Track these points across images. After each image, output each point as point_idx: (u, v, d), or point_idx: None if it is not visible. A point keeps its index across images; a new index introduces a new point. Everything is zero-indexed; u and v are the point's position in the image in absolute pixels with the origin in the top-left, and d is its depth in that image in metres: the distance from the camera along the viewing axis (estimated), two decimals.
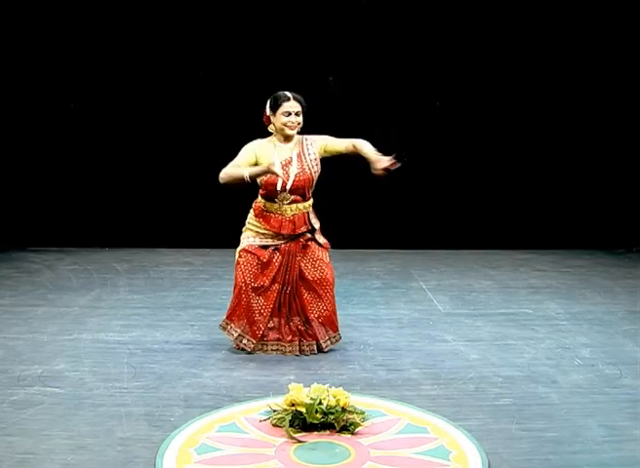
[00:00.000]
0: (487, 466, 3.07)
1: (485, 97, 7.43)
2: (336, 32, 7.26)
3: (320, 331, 4.43)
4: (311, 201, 4.49)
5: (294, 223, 4.41)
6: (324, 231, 4.59)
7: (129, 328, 4.91)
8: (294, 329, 4.44)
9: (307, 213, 4.47)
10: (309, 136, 4.44)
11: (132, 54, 7.25)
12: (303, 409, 3.34)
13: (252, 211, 4.52)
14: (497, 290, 6.05)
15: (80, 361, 4.28)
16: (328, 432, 3.35)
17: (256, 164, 4.32)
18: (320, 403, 3.35)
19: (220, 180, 4.27)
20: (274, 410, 3.46)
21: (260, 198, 4.48)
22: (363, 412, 3.46)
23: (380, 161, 4.15)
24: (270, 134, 4.43)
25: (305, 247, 4.46)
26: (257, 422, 3.44)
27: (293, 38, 7.19)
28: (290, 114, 4.31)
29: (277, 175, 4.19)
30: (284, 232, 4.40)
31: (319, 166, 4.43)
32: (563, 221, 7.60)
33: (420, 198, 7.57)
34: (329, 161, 4.52)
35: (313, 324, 4.41)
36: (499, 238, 7.53)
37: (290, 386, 3.47)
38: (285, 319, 4.43)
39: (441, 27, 7.32)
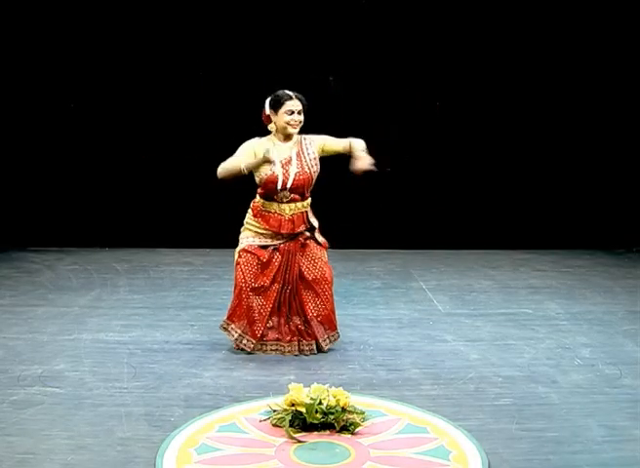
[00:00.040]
0: (487, 466, 3.07)
1: (485, 97, 7.43)
2: (336, 32, 7.26)
3: (319, 331, 4.43)
4: (309, 200, 4.50)
5: (293, 222, 4.41)
6: (324, 231, 4.59)
7: (129, 328, 4.91)
8: (293, 328, 4.44)
9: (306, 212, 4.47)
10: (308, 136, 4.45)
11: (132, 54, 7.25)
12: (303, 409, 3.34)
13: (250, 210, 4.51)
14: (497, 290, 6.05)
15: (80, 361, 4.28)
16: (328, 432, 3.35)
17: (254, 169, 4.34)
18: (320, 403, 3.35)
19: (218, 175, 4.33)
20: (274, 410, 3.46)
21: (258, 197, 4.48)
22: (363, 412, 3.46)
23: (362, 160, 4.19)
24: (269, 133, 4.44)
25: (304, 246, 4.46)
26: (257, 422, 3.44)
27: (293, 38, 7.19)
28: (292, 113, 4.32)
29: (272, 163, 4.22)
30: (283, 231, 4.40)
31: (318, 165, 4.43)
32: (563, 221, 7.60)
33: (420, 198, 7.57)
34: (329, 161, 4.53)
35: (312, 323, 4.41)
36: (499, 238, 7.53)
37: (290, 386, 3.47)
38: (285, 318, 4.43)
39: (441, 27, 7.32)
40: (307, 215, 4.48)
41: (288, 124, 4.33)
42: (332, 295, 4.47)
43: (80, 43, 7.20)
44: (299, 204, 4.42)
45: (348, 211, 7.34)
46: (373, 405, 3.64)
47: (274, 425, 3.40)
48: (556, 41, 7.32)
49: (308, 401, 3.35)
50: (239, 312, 4.40)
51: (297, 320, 4.44)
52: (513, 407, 3.69)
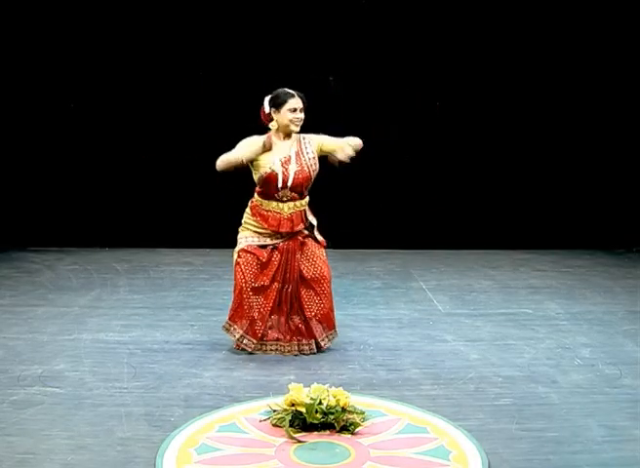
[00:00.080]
0: (487, 466, 3.07)
1: (485, 97, 7.44)
2: (336, 32, 7.26)
3: (318, 330, 4.43)
4: (307, 198, 4.50)
5: (292, 221, 4.41)
6: (325, 231, 4.58)
7: (129, 328, 4.91)
8: (293, 328, 4.44)
9: (304, 210, 4.47)
10: (307, 135, 4.45)
11: (132, 54, 7.25)
12: (303, 409, 3.34)
13: (248, 209, 4.51)
14: (497, 290, 6.05)
15: (80, 361, 4.27)
16: (328, 432, 3.35)
17: (252, 159, 4.34)
18: (320, 403, 3.35)
19: (217, 167, 4.31)
20: (274, 410, 3.46)
21: (256, 196, 4.47)
22: (363, 412, 3.46)
23: (344, 149, 4.20)
24: (266, 131, 4.43)
25: (303, 244, 4.46)
26: (257, 422, 3.44)
27: (293, 38, 7.19)
28: (295, 110, 4.33)
29: (270, 148, 4.25)
30: (283, 230, 4.39)
31: (317, 164, 4.43)
32: (563, 221, 7.60)
33: (420, 198, 7.57)
34: (329, 161, 4.53)
35: (311, 322, 4.41)
36: (499, 238, 7.53)
37: (290, 386, 3.47)
38: (285, 317, 4.43)
39: (441, 27, 7.33)
40: (306, 214, 4.48)
41: (291, 122, 4.33)
42: (330, 294, 4.48)
43: (80, 43, 7.20)
44: (297, 202, 4.42)
45: (348, 211, 7.34)
46: (373, 405, 3.64)
47: (274, 425, 3.40)
48: (556, 41, 7.32)
49: (308, 401, 3.35)
50: (240, 312, 4.40)
51: (296, 319, 4.44)
52: (513, 407, 3.69)
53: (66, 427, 3.40)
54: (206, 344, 4.60)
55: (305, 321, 4.42)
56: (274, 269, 4.39)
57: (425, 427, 3.44)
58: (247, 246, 4.42)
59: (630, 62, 7.34)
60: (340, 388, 3.45)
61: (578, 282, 6.31)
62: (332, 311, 4.49)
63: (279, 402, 3.48)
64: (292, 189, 4.36)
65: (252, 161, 4.35)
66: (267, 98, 4.40)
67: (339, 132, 4.51)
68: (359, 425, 3.38)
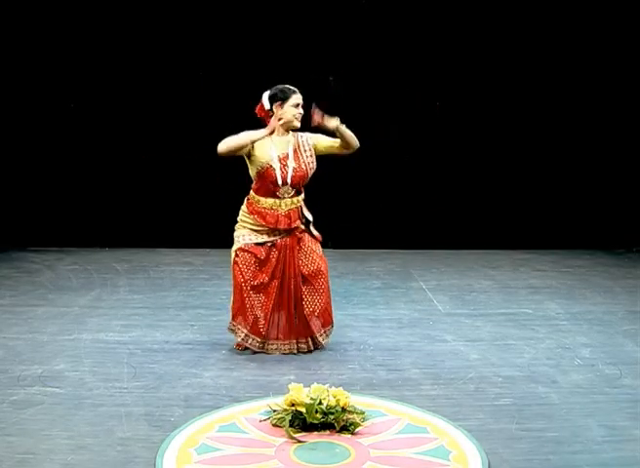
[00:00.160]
0: (487, 466, 3.07)
1: (485, 97, 7.44)
2: (336, 32, 7.26)
3: (316, 326, 4.43)
4: (303, 195, 4.50)
5: (289, 217, 4.40)
6: (325, 231, 4.58)
7: (129, 328, 4.91)
8: (292, 325, 4.44)
9: (300, 206, 4.47)
10: (303, 133, 4.45)
11: (132, 54, 7.25)
12: (303, 409, 3.34)
13: (244, 207, 4.49)
14: (497, 290, 6.05)
15: (80, 361, 4.27)
16: (328, 432, 3.35)
17: (251, 153, 4.34)
18: (320, 403, 3.35)
19: (219, 151, 4.29)
20: (274, 410, 3.46)
21: (253, 194, 4.46)
22: (363, 412, 3.46)
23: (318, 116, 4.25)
24: (263, 127, 4.43)
25: (300, 240, 4.45)
26: (257, 422, 3.44)
27: (293, 38, 7.19)
28: (298, 106, 4.34)
29: (270, 134, 4.28)
30: (281, 227, 4.39)
31: (314, 162, 4.43)
32: (563, 221, 7.60)
33: (420, 198, 7.57)
34: (329, 161, 4.52)
35: (309, 319, 4.41)
36: (499, 238, 7.53)
37: (290, 386, 3.47)
38: (285, 314, 4.42)
39: (441, 27, 7.33)
40: (302, 210, 4.48)
41: (295, 117, 4.34)
42: (328, 289, 4.48)
43: (80, 43, 7.21)
44: (294, 199, 4.42)
45: (348, 211, 7.34)
46: (373, 405, 3.64)
47: (274, 425, 3.40)
48: (556, 41, 7.32)
49: (308, 401, 3.35)
50: (242, 312, 4.39)
51: (296, 315, 4.43)
52: (513, 407, 3.69)
53: (66, 427, 3.40)
54: (206, 344, 4.60)
55: (304, 317, 4.42)
56: (273, 266, 4.39)
57: (425, 427, 3.44)
58: (244, 244, 4.41)
59: (630, 63, 7.34)
60: (340, 388, 3.45)
61: (578, 282, 6.31)
62: (329, 305, 4.50)
63: (279, 402, 3.48)
64: (291, 186, 4.36)
65: (249, 155, 4.35)
66: (267, 94, 4.39)
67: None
68: (359, 425, 3.38)
